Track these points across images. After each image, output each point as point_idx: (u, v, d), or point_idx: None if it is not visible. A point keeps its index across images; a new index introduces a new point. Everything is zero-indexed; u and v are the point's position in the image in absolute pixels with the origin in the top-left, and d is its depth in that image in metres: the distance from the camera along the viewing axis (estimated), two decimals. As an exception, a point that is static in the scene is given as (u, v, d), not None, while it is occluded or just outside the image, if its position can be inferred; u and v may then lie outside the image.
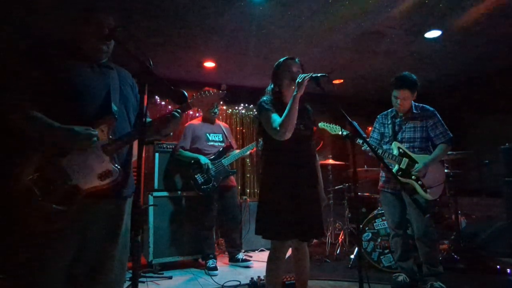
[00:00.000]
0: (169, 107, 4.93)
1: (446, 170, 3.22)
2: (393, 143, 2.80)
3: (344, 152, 5.53)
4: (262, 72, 4.73)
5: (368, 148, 2.15)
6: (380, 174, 2.99)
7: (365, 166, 4.26)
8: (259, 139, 2.10)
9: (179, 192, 3.63)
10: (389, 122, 2.88)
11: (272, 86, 2.10)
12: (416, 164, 2.67)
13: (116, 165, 1.45)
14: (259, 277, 2.80)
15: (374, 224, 3.35)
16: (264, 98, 2.05)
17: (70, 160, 1.37)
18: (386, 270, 3.18)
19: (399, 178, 2.69)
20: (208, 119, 3.70)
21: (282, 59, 2.09)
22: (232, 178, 3.68)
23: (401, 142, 2.79)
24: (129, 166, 1.59)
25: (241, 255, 3.63)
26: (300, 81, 1.84)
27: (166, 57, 4.20)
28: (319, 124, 2.75)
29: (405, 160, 2.71)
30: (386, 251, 3.25)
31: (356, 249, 3.53)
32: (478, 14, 3.22)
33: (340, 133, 2.70)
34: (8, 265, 2.13)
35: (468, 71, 4.85)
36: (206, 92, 1.72)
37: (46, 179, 1.32)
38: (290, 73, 2.00)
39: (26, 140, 1.37)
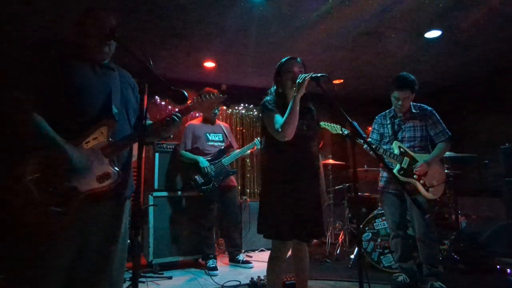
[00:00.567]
0: (169, 107, 4.93)
1: (446, 171, 3.22)
2: (393, 143, 2.80)
3: (344, 152, 5.53)
4: (262, 72, 4.73)
5: (368, 148, 2.14)
6: (380, 175, 2.99)
7: (365, 166, 4.26)
8: (262, 139, 2.09)
9: (179, 192, 3.63)
10: (388, 122, 2.88)
11: (275, 86, 2.10)
12: (420, 160, 2.67)
13: (115, 167, 1.45)
14: (259, 277, 2.80)
15: (374, 224, 3.36)
16: (268, 98, 2.05)
17: (69, 162, 1.37)
18: (386, 270, 3.18)
19: (401, 177, 2.69)
20: (208, 120, 3.71)
21: (284, 59, 2.08)
22: (232, 178, 3.67)
23: (401, 141, 2.80)
24: (129, 167, 1.59)
25: (241, 257, 3.63)
26: (300, 81, 1.84)
27: (166, 57, 4.20)
28: (320, 124, 2.75)
29: (406, 159, 2.71)
30: (386, 251, 3.25)
31: (356, 249, 3.53)
32: (478, 14, 3.22)
33: (341, 132, 2.70)
34: (8, 265, 2.13)
35: (468, 71, 4.85)
36: (207, 96, 1.72)
37: (45, 181, 1.32)
38: (291, 73, 1.99)
39: (26, 141, 1.36)
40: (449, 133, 2.75)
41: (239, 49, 3.99)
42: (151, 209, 3.41)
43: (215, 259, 3.47)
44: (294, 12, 3.16)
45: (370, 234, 3.34)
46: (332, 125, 2.77)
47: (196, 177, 3.38)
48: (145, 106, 1.27)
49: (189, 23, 3.33)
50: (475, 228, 3.80)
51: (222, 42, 3.80)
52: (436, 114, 2.79)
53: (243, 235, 4.09)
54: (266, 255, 2.13)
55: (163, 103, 4.94)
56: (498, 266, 3.18)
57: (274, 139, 1.94)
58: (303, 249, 2.07)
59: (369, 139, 3.00)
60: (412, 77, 2.72)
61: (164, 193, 3.55)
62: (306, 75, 1.83)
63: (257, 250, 4.18)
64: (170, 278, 3.17)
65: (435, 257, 2.71)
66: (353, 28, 3.49)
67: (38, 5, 2.89)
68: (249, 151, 3.69)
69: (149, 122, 1.71)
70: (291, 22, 3.36)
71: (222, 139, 3.69)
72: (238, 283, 2.97)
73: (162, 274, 3.26)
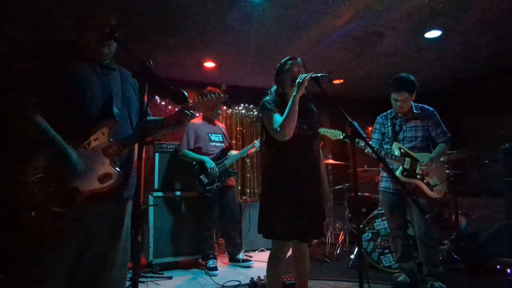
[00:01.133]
0: (169, 107, 4.93)
1: (446, 171, 3.22)
2: (393, 144, 2.80)
3: (344, 152, 5.53)
4: (262, 72, 4.73)
5: (370, 150, 2.14)
6: (381, 174, 2.99)
7: (365, 166, 4.26)
8: (262, 139, 2.09)
9: (179, 192, 3.63)
10: (389, 124, 2.88)
11: (275, 86, 2.10)
12: (420, 161, 2.67)
13: (116, 168, 1.45)
14: (259, 277, 2.80)
15: (374, 224, 3.35)
16: (267, 98, 2.05)
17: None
18: (386, 270, 3.18)
19: (404, 178, 2.69)
20: (209, 119, 3.70)
21: (284, 59, 2.09)
22: (232, 178, 3.68)
23: (402, 141, 2.79)
24: (130, 167, 1.59)
25: (241, 255, 3.63)
26: (300, 81, 1.84)
27: (166, 57, 4.20)
28: (320, 130, 2.74)
29: (408, 160, 2.71)
30: (386, 251, 3.25)
31: (356, 249, 3.53)
32: (478, 14, 3.22)
33: (341, 137, 2.69)
34: (9, 265, 2.13)
35: (468, 71, 4.85)
36: (208, 95, 1.72)
37: (47, 181, 1.32)
38: (291, 73, 2.00)
39: (27, 142, 1.37)
40: (449, 134, 2.75)
41: (239, 49, 3.99)
42: (151, 209, 3.41)
43: (215, 259, 3.47)
44: (294, 12, 3.16)
45: (370, 234, 3.34)
46: (331, 131, 2.75)
47: (201, 176, 3.38)
48: (145, 103, 1.27)
49: (189, 23, 3.33)
50: (475, 228, 3.80)
51: (222, 42, 3.80)
52: (437, 115, 2.79)
53: (243, 235, 4.09)
54: (266, 255, 2.13)
55: (163, 103, 4.94)
56: (498, 266, 3.18)
57: (274, 139, 1.94)
58: (303, 249, 2.07)
59: (371, 139, 3.01)
60: (412, 78, 2.70)
61: (164, 193, 3.55)
62: (306, 75, 1.84)
63: (257, 250, 4.18)
64: (170, 278, 3.17)
65: (435, 257, 2.71)
66: (353, 28, 3.49)
67: (39, 6, 2.89)
68: (247, 153, 3.68)
69: (150, 118, 1.71)
70: (291, 22, 3.36)
71: (221, 139, 3.69)
72: (238, 283, 2.97)
73: (162, 274, 3.26)
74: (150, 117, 1.72)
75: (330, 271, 3.33)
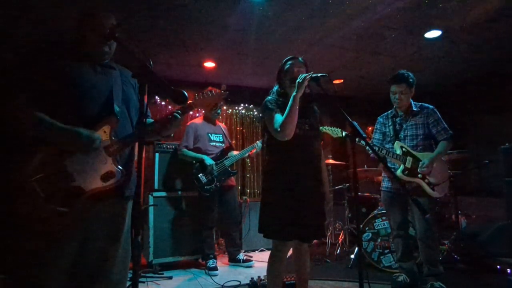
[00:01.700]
0: (169, 107, 4.93)
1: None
2: (395, 143, 2.80)
3: (344, 152, 5.53)
4: (262, 72, 4.73)
5: (370, 149, 2.14)
6: (383, 174, 3.00)
7: (365, 166, 4.26)
8: (263, 139, 2.09)
9: (179, 192, 3.63)
10: (390, 123, 2.88)
11: (277, 86, 2.10)
12: (421, 161, 2.67)
13: (119, 166, 1.45)
14: (259, 277, 2.80)
15: (374, 224, 3.35)
16: (269, 98, 2.05)
17: (73, 161, 1.37)
18: (386, 270, 3.18)
19: (406, 177, 2.69)
20: (210, 119, 3.70)
21: (285, 59, 2.09)
22: (232, 178, 3.68)
23: (403, 140, 2.80)
24: (131, 166, 1.59)
25: (241, 256, 3.63)
26: (300, 81, 1.84)
27: (166, 57, 4.20)
28: (321, 128, 2.75)
29: (409, 159, 2.71)
30: (386, 251, 3.25)
31: (356, 249, 3.53)
32: (478, 14, 3.22)
33: (341, 135, 2.72)
34: (10, 265, 2.13)
35: (468, 71, 4.85)
36: (208, 93, 1.72)
37: (50, 180, 1.32)
38: (291, 73, 2.00)
39: (30, 141, 1.37)
40: (451, 131, 2.74)
41: (239, 49, 3.99)
42: (151, 209, 3.40)
43: (215, 259, 3.47)
44: (294, 12, 3.16)
45: (370, 234, 3.34)
46: (332, 129, 2.77)
47: (200, 176, 3.38)
48: (145, 103, 1.27)
49: (189, 23, 3.33)
50: (475, 228, 3.80)
51: (222, 42, 3.80)
52: (438, 112, 2.79)
53: (243, 235, 4.09)
54: (266, 255, 2.14)
55: (163, 103, 4.94)
56: (498, 266, 3.18)
57: (275, 139, 1.94)
58: (303, 249, 2.07)
59: (372, 139, 3.01)
60: (410, 74, 2.76)
61: (164, 193, 3.55)
62: (306, 75, 1.84)
63: (257, 250, 4.18)
64: (170, 278, 3.17)
65: (435, 257, 2.71)
66: (353, 28, 3.49)
67: (39, 6, 2.89)
68: (248, 154, 3.68)
69: (150, 120, 1.71)
70: (291, 22, 3.35)
71: (222, 139, 3.69)
72: (238, 283, 2.97)
73: (162, 274, 3.26)
74: (149, 120, 1.72)
75: (330, 271, 3.33)
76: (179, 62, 4.37)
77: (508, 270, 3.04)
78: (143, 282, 3.01)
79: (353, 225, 4.16)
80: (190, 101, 1.64)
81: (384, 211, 3.23)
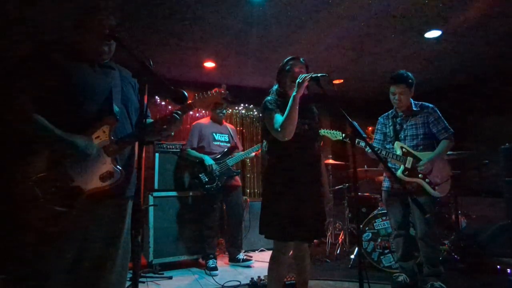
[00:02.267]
0: (169, 107, 4.93)
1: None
2: (395, 143, 2.80)
3: (344, 152, 5.53)
4: (262, 72, 4.73)
5: (370, 151, 2.15)
6: (384, 174, 2.99)
7: (365, 166, 4.26)
8: (264, 139, 2.09)
9: (179, 192, 3.63)
10: (390, 123, 2.88)
11: (277, 86, 2.10)
12: (421, 161, 2.67)
13: (118, 166, 1.45)
14: (259, 277, 2.80)
15: (374, 224, 3.35)
16: (269, 98, 2.05)
17: (72, 161, 1.37)
18: (386, 270, 3.18)
19: (406, 177, 2.69)
20: (216, 119, 3.73)
21: (286, 59, 2.09)
22: (237, 178, 3.69)
23: (404, 140, 2.79)
24: (131, 166, 1.59)
25: (241, 255, 3.63)
26: (300, 81, 1.84)
27: (166, 57, 4.20)
28: (320, 132, 2.75)
29: (409, 159, 2.71)
30: (386, 251, 3.25)
31: (356, 249, 3.53)
32: (478, 14, 3.22)
33: (341, 138, 2.72)
34: (9, 265, 2.13)
35: (468, 71, 4.85)
36: (208, 92, 1.72)
37: (49, 181, 1.32)
38: (291, 73, 2.00)
39: (29, 142, 1.37)
40: (451, 130, 2.73)
41: (239, 49, 3.99)
42: (151, 209, 3.41)
43: (215, 259, 3.47)
44: (294, 12, 3.16)
45: (370, 234, 3.34)
46: (332, 132, 2.77)
47: (200, 175, 3.39)
48: (145, 103, 1.27)
49: (189, 23, 3.33)
50: (475, 228, 3.80)
51: (222, 42, 3.80)
52: (438, 111, 2.78)
53: (244, 235, 4.09)
54: (266, 255, 2.14)
55: (163, 103, 4.94)
56: (498, 266, 3.18)
57: (275, 139, 1.94)
58: (304, 249, 2.07)
59: (374, 140, 3.01)
60: (410, 74, 2.76)
61: (164, 193, 3.55)
62: (306, 75, 1.84)
63: (257, 250, 4.17)
64: (170, 278, 3.17)
65: (435, 257, 2.71)
66: (353, 28, 3.49)
67: (39, 6, 2.89)
68: (253, 154, 3.69)
69: (149, 120, 1.71)
70: (291, 22, 3.36)
71: (227, 139, 3.71)
72: (238, 283, 2.97)
73: (162, 274, 3.26)
74: (149, 120, 1.72)
75: (330, 271, 3.33)
76: (179, 62, 4.37)
77: (508, 270, 3.04)
78: (143, 282, 3.01)
79: (353, 225, 4.16)
80: (190, 101, 1.64)
81: (384, 211, 3.23)
